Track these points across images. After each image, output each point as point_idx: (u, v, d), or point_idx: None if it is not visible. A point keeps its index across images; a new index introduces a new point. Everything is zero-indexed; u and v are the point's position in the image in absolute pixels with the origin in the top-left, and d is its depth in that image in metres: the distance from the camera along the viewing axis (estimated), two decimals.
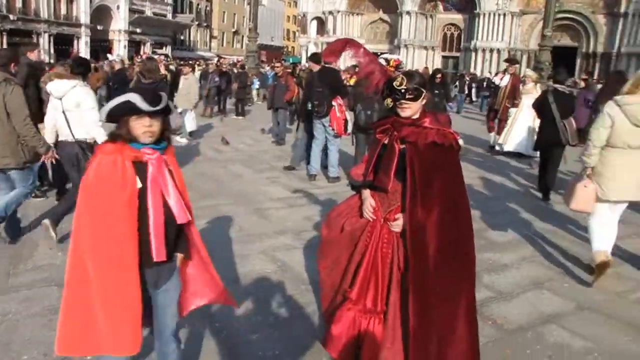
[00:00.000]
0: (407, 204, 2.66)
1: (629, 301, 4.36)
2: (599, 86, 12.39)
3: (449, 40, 53.92)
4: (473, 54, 49.54)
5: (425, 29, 53.55)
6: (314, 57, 8.42)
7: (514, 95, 10.99)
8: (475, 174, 9.14)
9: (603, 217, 4.58)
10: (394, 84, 2.67)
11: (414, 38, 52.62)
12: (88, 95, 5.11)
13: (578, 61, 47.42)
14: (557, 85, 7.98)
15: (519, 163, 10.48)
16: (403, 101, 2.68)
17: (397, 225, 2.73)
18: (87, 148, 5.12)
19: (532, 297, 4.32)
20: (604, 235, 4.56)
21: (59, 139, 5.18)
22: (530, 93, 10.41)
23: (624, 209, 4.66)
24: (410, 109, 2.70)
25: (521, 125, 10.79)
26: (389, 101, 2.73)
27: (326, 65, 8.17)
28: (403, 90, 2.65)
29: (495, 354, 3.40)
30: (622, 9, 44.71)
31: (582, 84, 13.50)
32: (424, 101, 2.74)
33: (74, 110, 5.03)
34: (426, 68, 25.10)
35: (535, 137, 8.65)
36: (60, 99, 5.04)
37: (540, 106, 7.80)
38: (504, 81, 11.21)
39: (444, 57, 53.53)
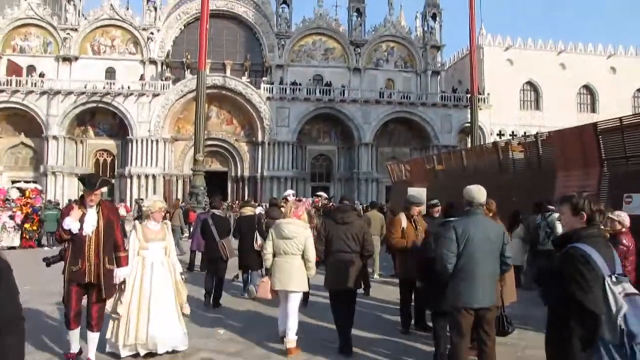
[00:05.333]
0: None
1: None
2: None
3: (102, 167, 51.91)
4: (129, 180, 48.59)
5: (75, 154, 50.54)
6: None
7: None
8: None
9: (281, 304, 6.40)
10: None
11: (62, 164, 48.77)
12: None
13: (229, 184, 51.34)
14: (214, 210, 9.06)
15: None
16: None
17: None
18: None
19: None
20: (281, 319, 6.35)
21: None
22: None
23: (297, 300, 6.26)
24: None
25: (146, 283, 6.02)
26: None
27: None
28: None
29: None
30: (259, 139, 50.89)
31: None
32: None
33: None
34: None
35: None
36: None
37: (203, 230, 9.15)
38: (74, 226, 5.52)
39: None
